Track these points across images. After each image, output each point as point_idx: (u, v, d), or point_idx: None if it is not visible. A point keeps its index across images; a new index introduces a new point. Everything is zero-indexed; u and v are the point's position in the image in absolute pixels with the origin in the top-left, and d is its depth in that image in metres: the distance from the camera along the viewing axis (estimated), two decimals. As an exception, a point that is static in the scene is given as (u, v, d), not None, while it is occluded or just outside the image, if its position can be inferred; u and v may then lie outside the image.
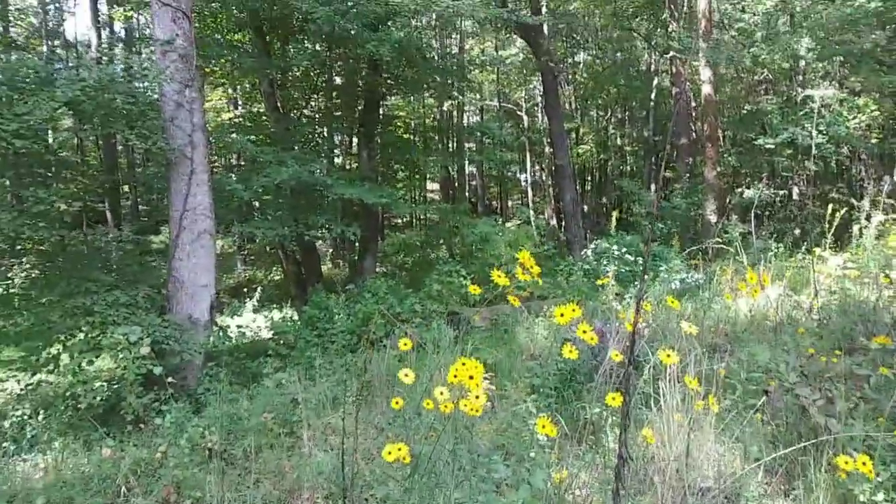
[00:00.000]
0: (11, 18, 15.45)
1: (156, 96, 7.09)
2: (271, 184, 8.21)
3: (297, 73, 12.78)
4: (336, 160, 15.61)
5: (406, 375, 2.18)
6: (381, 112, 11.98)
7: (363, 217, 11.14)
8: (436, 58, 11.15)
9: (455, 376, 1.85)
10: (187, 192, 6.90)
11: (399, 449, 1.97)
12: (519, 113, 23.35)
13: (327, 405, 5.77)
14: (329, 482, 4.32)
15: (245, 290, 11.69)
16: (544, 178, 25.03)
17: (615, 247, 8.30)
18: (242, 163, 14.54)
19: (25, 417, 6.01)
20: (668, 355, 2.42)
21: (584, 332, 2.40)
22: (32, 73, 6.27)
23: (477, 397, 1.96)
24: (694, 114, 16.73)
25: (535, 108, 24.33)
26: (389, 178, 13.97)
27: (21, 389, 7.37)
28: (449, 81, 12.55)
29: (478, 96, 22.52)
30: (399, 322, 7.97)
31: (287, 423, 5.45)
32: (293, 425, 5.45)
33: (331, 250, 19.45)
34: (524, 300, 7.74)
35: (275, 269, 18.92)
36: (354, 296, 8.62)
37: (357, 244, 12.23)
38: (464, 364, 1.88)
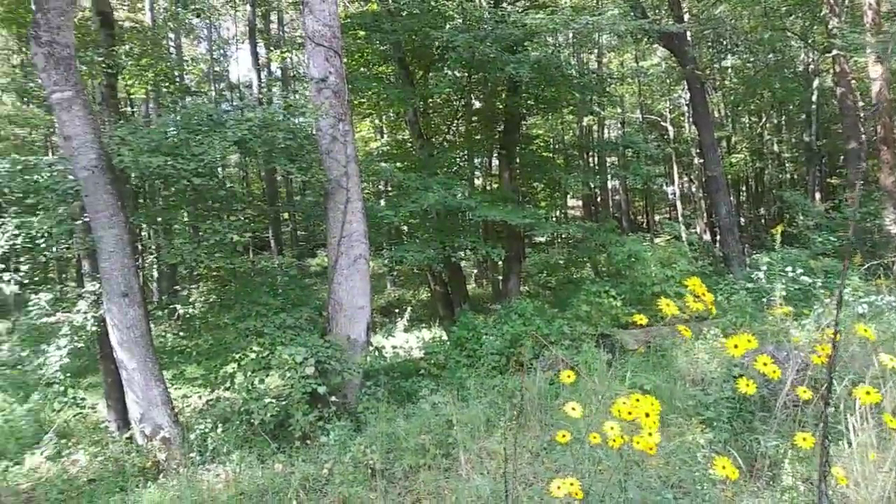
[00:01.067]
0: (186, 67, 17.20)
1: (312, 131, 7.59)
2: (418, 209, 8.49)
3: (438, 101, 13.19)
4: (476, 182, 15.84)
5: (573, 409, 2.12)
6: (520, 132, 12.02)
7: (506, 238, 11.21)
8: (574, 74, 11.02)
9: (630, 413, 1.77)
10: (343, 219, 7.29)
11: (571, 484, 1.92)
12: (663, 124, 22.48)
13: (481, 427, 5.80)
14: (488, 506, 4.32)
15: (396, 310, 12.13)
16: (693, 190, 23.86)
17: (782, 262, 7.68)
18: (389, 189, 15.13)
19: (206, 430, 6.52)
20: (869, 393, 2.17)
21: (765, 364, 2.22)
22: (206, 116, 6.95)
23: (650, 434, 1.86)
24: (863, 115, 15.24)
25: (681, 118, 23.31)
26: (531, 198, 13.94)
27: (203, 405, 8.08)
28: (588, 97, 12.36)
29: (619, 110, 22.01)
30: (548, 344, 7.86)
31: (443, 445, 5.53)
32: (449, 447, 5.52)
33: (475, 270, 19.69)
34: (682, 321, 7.34)
35: (422, 289, 19.48)
36: (502, 317, 8.63)
37: (501, 265, 12.30)
38: (638, 400, 1.80)
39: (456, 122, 13.49)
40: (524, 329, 8.02)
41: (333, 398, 6.36)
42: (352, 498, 4.85)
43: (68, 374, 6.63)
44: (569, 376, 2.37)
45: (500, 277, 14.64)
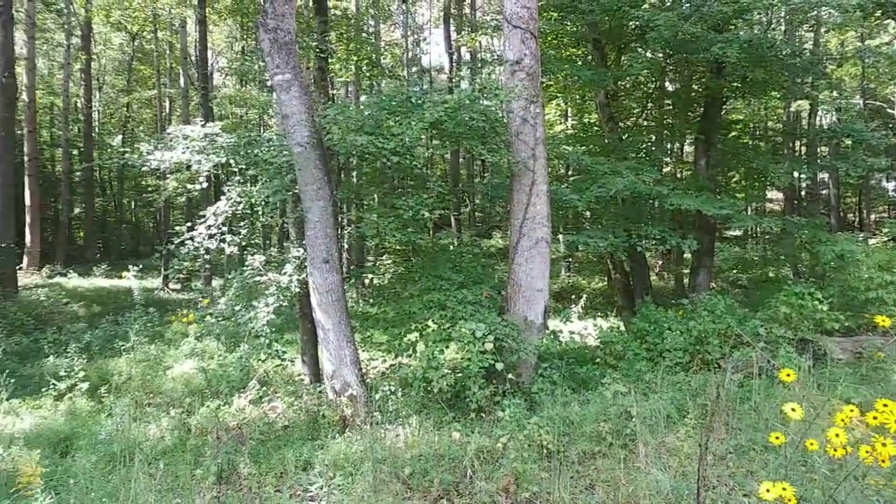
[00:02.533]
0: (384, 52, 18.14)
1: (501, 113, 7.69)
2: (605, 194, 8.30)
3: (627, 84, 12.71)
4: (664, 169, 15.11)
5: (793, 410, 1.98)
6: (721, 117, 11.23)
7: (697, 229, 10.61)
8: (789, 54, 10.04)
9: (875, 418, 1.62)
10: (528, 202, 7.33)
11: (784, 488, 1.80)
12: (890, 111, 19.84)
13: (661, 423, 5.62)
14: (668, 502, 4.19)
15: (573, 296, 12.01)
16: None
17: None
18: (570, 173, 14.93)
19: (388, 393, 6.94)
20: None
21: None
22: (405, 98, 7.31)
23: (884, 445, 1.69)
24: None
25: (913, 104, 20.45)
26: (727, 188, 13.02)
27: (386, 369, 8.61)
28: (802, 80, 11.22)
29: (835, 94, 19.76)
30: (739, 345, 7.37)
31: (620, 435, 5.44)
32: (626, 438, 5.42)
33: (660, 262, 18.90)
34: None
35: (598, 277, 19.10)
36: (688, 312, 8.22)
37: (689, 257, 11.66)
38: (886, 405, 1.64)
39: (648, 105, 12.94)
40: (713, 327, 7.58)
41: (510, 376, 6.48)
42: (525, 474, 4.94)
43: (273, 329, 7.34)
44: (788, 375, 2.21)
45: (686, 271, 13.93)
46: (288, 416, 7.26)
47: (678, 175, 15.55)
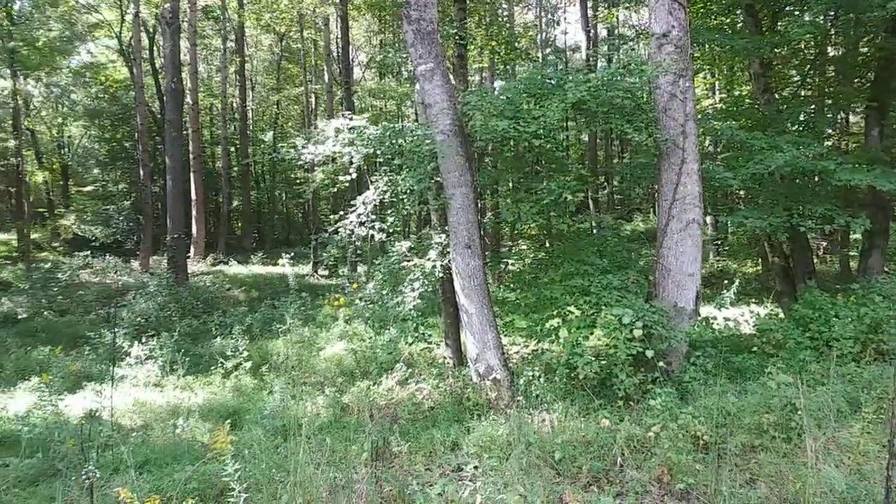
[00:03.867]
0: (519, 34, 17.98)
1: (646, 90, 7.37)
2: (764, 171, 7.72)
3: (783, 52, 11.71)
4: (826, 142, 13.83)
5: None
6: (896, 82, 10.03)
7: (868, 206, 9.61)
8: None
9: None
10: (677, 181, 7.00)
11: None
12: None
13: (831, 416, 5.19)
14: (842, 502, 3.88)
15: (724, 281, 11.32)
16: None
17: None
18: (719, 149, 14.09)
19: (531, 378, 6.93)
20: None
21: None
22: (546, 80, 7.20)
23: None
24: None
25: None
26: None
27: (528, 354, 8.61)
28: None
29: None
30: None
31: (784, 428, 5.09)
32: (790, 431, 5.07)
33: (824, 244, 17.41)
34: None
35: (750, 261, 17.91)
36: (859, 297, 7.50)
37: (861, 238, 10.61)
38: None
39: (809, 73, 11.87)
40: (889, 314, 6.87)
41: (661, 364, 6.24)
42: (679, 465, 4.77)
43: (419, 313, 7.55)
44: None
45: (854, 253, 12.72)
46: (434, 398, 7.46)
47: (844, 148, 14.17)
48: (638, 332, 6.22)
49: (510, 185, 9.01)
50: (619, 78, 6.83)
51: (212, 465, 5.15)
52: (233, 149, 32.72)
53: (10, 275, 19.84)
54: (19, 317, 14.40)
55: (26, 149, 24.69)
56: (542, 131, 6.32)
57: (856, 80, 11.54)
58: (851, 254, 13.72)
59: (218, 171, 31.87)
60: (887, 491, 2.51)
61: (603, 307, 6.73)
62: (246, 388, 8.65)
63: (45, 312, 15.09)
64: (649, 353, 6.15)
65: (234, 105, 32.05)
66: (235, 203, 33.21)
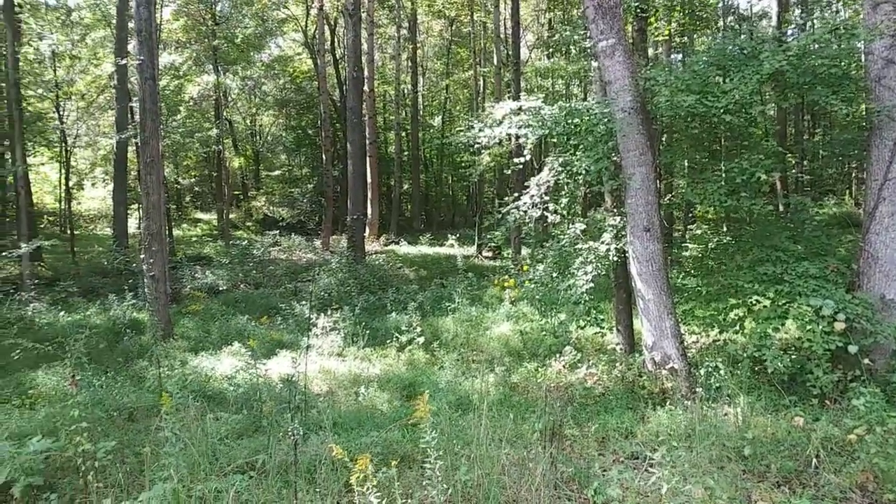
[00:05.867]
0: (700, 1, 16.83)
1: (856, 56, 6.60)
2: None
3: None
4: None
5: None
6: None
7: None
8: None
9: None
10: (891, 159, 6.22)
11: None
12: None
13: None
14: None
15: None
16: None
17: None
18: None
19: (711, 369, 6.57)
20: None
21: None
22: (738, 50, 6.70)
23: None
24: None
25: None
26: None
27: (708, 344, 8.17)
28: None
29: None
30: None
31: None
32: None
33: None
34: None
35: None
36: None
37: None
38: None
39: None
40: None
41: (866, 361, 5.64)
42: (888, 473, 4.32)
43: (591, 297, 7.42)
44: None
45: None
46: (604, 384, 7.33)
47: None
48: (839, 325, 5.67)
49: (687, 165, 8.54)
50: (823, 44, 6.19)
51: (392, 433, 5.47)
52: (404, 134, 34.07)
53: (212, 251, 22.28)
54: (221, 288, 16.12)
55: (225, 137, 27.41)
56: (732, 106, 5.92)
57: None
58: None
59: (390, 155, 33.38)
60: None
61: (797, 297, 6.20)
62: (419, 361, 9.04)
63: (242, 285, 16.77)
64: (852, 349, 5.58)
65: (406, 91, 33.30)
66: (406, 186, 34.62)
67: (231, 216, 29.24)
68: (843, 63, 6.31)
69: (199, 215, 33.89)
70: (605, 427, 5.88)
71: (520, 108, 7.95)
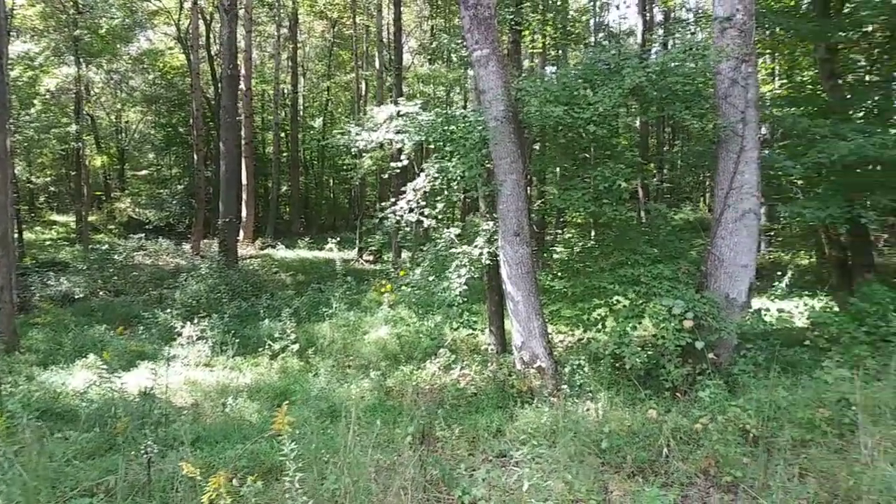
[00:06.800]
0: (571, 17, 17.69)
1: (707, 75, 7.16)
2: (827, 159, 7.44)
3: (853, 35, 11.20)
4: (892, 130, 13.23)
5: None
6: None
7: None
8: None
9: None
10: (734, 170, 6.81)
11: None
12: None
13: (887, 413, 5.01)
14: (897, 500, 3.75)
15: (777, 273, 10.97)
16: None
17: None
18: (776, 137, 13.67)
19: (577, 367, 6.88)
20: None
21: None
22: (603, 65, 7.08)
23: None
24: None
25: None
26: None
27: (573, 343, 8.55)
28: None
29: None
30: None
31: (836, 424, 4.95)
32: (843, 428, 4.92)
33: (885, 236, 16.75)
34: None
35: (804, 252, 17.36)
36: (923, 292, 7.20)
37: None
38: None
39: (878, 57, 11.32)
40: (955, 311, 6.59)
41: (711, 356, 6.12)
42: (727, 458, 4.69)
43: (464, 300, 7.56)
44: None
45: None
46: (476, 384, 7.48)
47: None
48: (688, 323, 6.12)
49: (558, 172, 8.92)
50: (678, 63, 6.67)
51: (259, 445, 5.29)
52: (283, 135, 33.23)
53: (68, 255, 20.61)
54: (77, 296, 14.95)
55: (86, 133, 25.49)
56: (596, 117, 6.24)
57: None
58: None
59: (268, 156, 32.41)
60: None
61: (653, 297, 6.64)
62: (292, 369, 8.82)
63: (101, 292, 15.64)
64: (699, 345, 6.04)
65: (286, 91, 32.50)
66: (284, 188, 33.76)
67: (92, 218, 27.22)
68: (696, 81, 6.82)
69: (56, 217, 31.26)
70: (475, 427, 6.00)
71: (398, 113, 7.97)
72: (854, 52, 11.43)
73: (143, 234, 21.44)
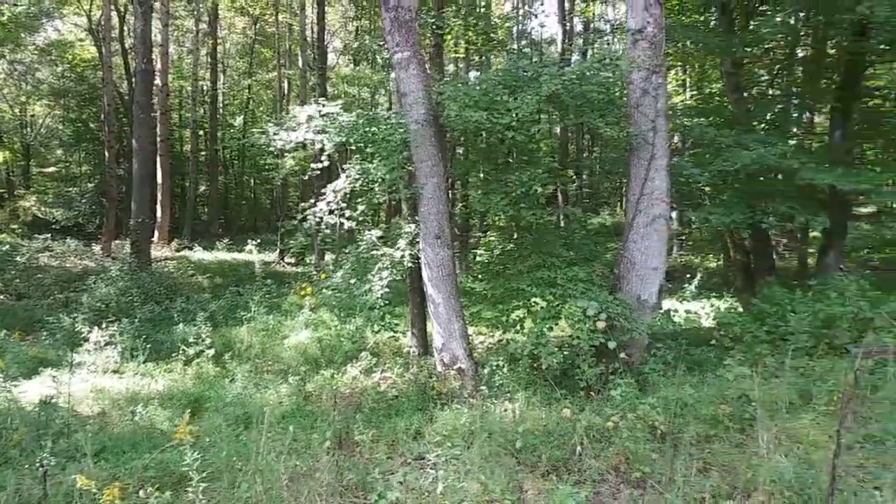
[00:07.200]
0: (496, 25, 17.93)
1: (620, 85, 7.42)
2: (731, 168, 7.86)
3: (755, 51, 11.92)
4: (791, 141, 14.11)
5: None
6: (861, 83, 10.22)
7: (829, 205, 9.82)
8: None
9: None
10: (645, 176, 7.08)
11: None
12: None
13: (783, 408, 5.33)
14: (790, 490, 3.98)
15: (687, 275, 11.54)
16: None
17: None
18: (687, 146, 14.31)
19: (495, 368, 6.98)
20: None
21: None
22: (522, 72, 7.21)
23: None
24: None
25: None
26: (863, 161, 11.97)
27: (493, 344, 8.67)
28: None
29: None
30: (872, 329, 6.86)
31: (738, 419, 5.22)
32: (744, 422, 5.20)
33: (784, 241, 17.82)
34: None
35: (712, 256, 18.26)
36: (815, 293, 7.70)
37: (820, 235, 10.86)
38: None
39: (778, 72, 12.08)
40: (842, 310, 7.07)
41: (623, 355, 6.34)
42: (637, 454, 4.86)
43: (384, 303, 7.54)
44: None
45: (812, 250, 13.03)
46: (398, 387, 7.48)
47: (808, 147, 14.49)
48: (601, 324, 6.30)
49: (481, 176, 9.02)
50: (593, 72, 6.87)
51: (170, 454, 5.09)
52: (202, 133, 32.17)
53: (-35, 256, 19.24)
54: (-29, 301, 13.97)
55: (-14, 127, 23.93)
56: (515, 123, 6.35)
57: (822, 82, 11.76)
58: (810, 251, 14.05)
59: (185, 154, 31.30)
60: (832, 478, 2.60)
61: (568, 299, 6.81)
62: (207, 375, 8.53)
63: (1, 296, 14.67)
64: (611, 345, 6.24)
65: (205, 88, 31.49)
66: (202, 188, 32.69)
67: (-8, 217, 25.55)
68: (611, 90, 7.06)
69: (-50, 216, 29.15)
70: (395, 430, 5.97)
71: (320, 114, 7.86)
72: (757, 67, 12.14)
73: (49, 235, 20.24)
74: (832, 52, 11.21)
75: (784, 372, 6.01)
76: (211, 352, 9.00)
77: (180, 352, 9.08)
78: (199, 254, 22.46)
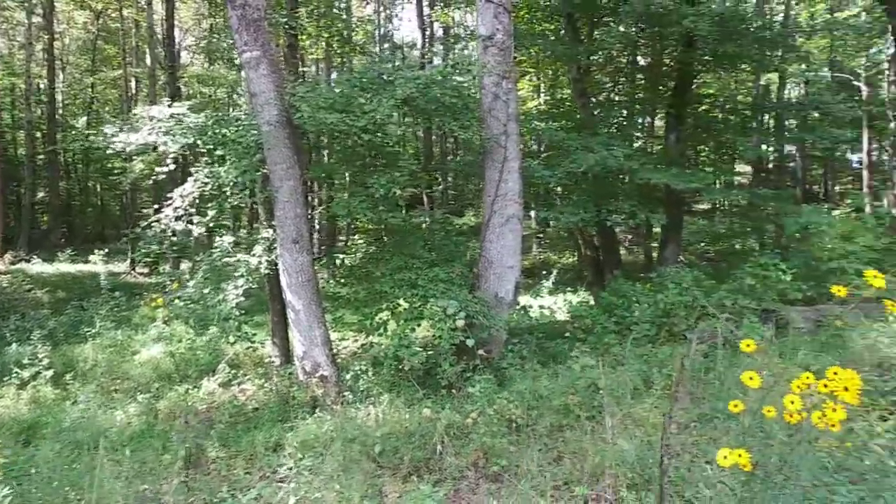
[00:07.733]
0: (355, 28, 17.86)
1: (473, 90, 7.62)
2: (577, 169, 8.32)
3: (600, 59, 12.72)
4: (635, 144, 15.19)
5: (751, 379, 2.01)
6: (692, 91, 11.23)
7: (666, 203, 10.68)
8: (759, 27, 10.03)
9: (826, 385, 1.64)
10: (499, 178, 7.31)
11: (739, 455, 1.82)
12: (856, 83, 20.10)
13: (628, 394, 5.69)
14: (633, 471, 4.25)
15: (543, 272, 12.08)
16: (886, 158, 21.22)
17: None
18: (542, 149, 14.98)
19: (359, 372, 6.93)
20: None
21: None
22: (377, 75, 7.20)
23: (834, 410, 1.72)
24: None
25: (879, 77, 20.67)
26: (696, 162, 13.13)
27: (357, 348, 8.59)
28: (772, 53, 11.25)
29: (803, 66, 19.97)
30: (705, 316, 7.49)
31: (587, 407, 5.50)
32: (594, 410, 5.48)
33: (630, 237, 19.11)
34: (860, 301, 6.66)
35: (568, 253, 19.24)
36: (656, 285, 8.31)
37: (658, 231, 11.78)
38: (836, 373, 1.66)
39: (620, 80, 12.96)
40: (680, 299, 7.67)
41: (481, 352, 6.50)
42: (494, 448, 4.98)
43: (242, 312, 7.26)
44: (748, 345, 2.26)
45: (655, 245, 14.07)
46: (258, 399, 7.23)
47: (649, 150, 15.65)
48: (461, 322, 6.43)
49: (347, 179, 8.93)
50: (447, 76, 6.99)
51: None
52: (39, 135, 29.39)
53: None
54: None
55: None
56: (371, 126, 6.32)
57: (659, 89, 12.74)
58: (653, 245, 15.14)
59: (20, 158, 28.48)
60: (662, 456, 2.80)
61: (430, 299, 6.89)
62: (45, 399, 7.79)
63: None
64: (470, 342, 6.38)
65: (41, 87, 28.80)
66: (41, 194, 29.86)
67: None
68: (465, 95, 7.21)
69: None
70: (253, 444, 5.75)
71: (169, 115, 7.44)
72: (602, 74, 12.94)
73: None
74: (667, 61, 12.18)
75: (629, 360, 6.43)
76: (49, 373, 8.22)
77: (13, 375, 8.24)
78: (37, 266, 20.48)
